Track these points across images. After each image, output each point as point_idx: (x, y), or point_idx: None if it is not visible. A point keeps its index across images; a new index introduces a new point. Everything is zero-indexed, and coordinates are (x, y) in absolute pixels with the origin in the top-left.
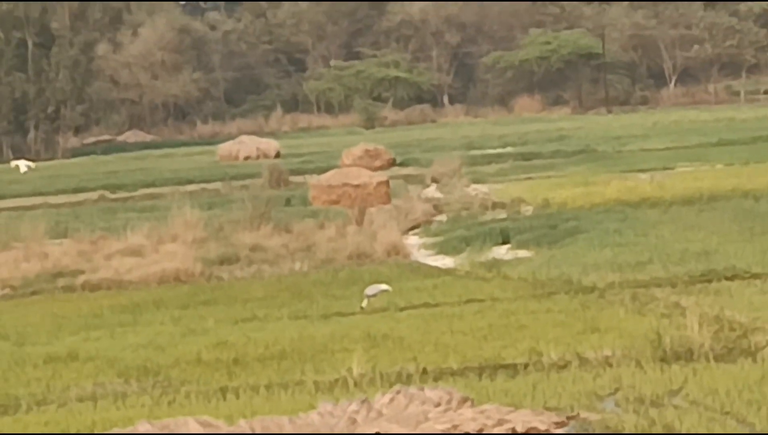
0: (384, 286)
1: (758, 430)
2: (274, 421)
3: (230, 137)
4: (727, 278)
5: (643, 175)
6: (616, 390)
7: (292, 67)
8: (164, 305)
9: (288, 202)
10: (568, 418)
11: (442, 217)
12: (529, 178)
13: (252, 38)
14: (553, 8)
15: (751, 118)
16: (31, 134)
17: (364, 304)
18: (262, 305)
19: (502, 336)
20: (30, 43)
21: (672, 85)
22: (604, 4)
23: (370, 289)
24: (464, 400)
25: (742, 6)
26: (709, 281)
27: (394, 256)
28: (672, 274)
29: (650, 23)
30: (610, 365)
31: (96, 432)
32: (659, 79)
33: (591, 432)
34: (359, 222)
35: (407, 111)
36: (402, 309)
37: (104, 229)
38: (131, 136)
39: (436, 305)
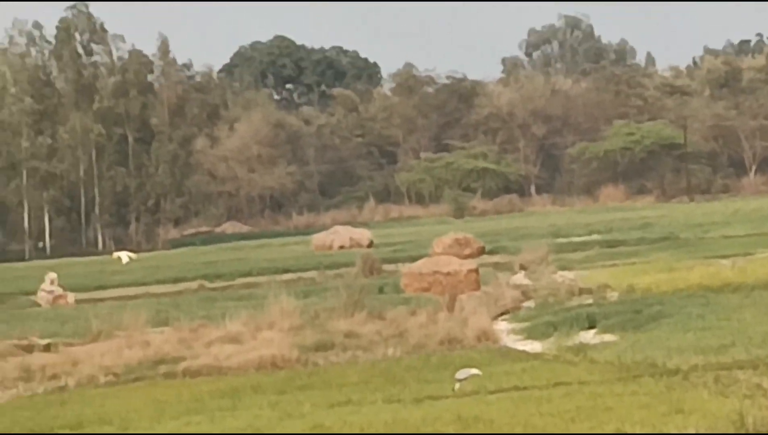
0: (474, 371)
1: None
2: None
3: (324, 228)
4: None
5: (724, 261)
6: None
7: (384, 160)
8: (262, 390)
9: (381, 289)
10: None
11: (530, 303)
12: (615, 265)
13: (345, 132)
14: (636, 100)
15: None
16: (133, 226)
17: (456, 387)
18: (357, 390)
19: (590, 418)
20: (131, 139)
21: (752, 173)
22: (686, 97)
23: (461, 373)
24: None
25: None
26: None
27: (484, 342)
28: (754, 357)
29: (730, 114)
30: None
31: None
32: (740, 168)
33: None
34: (450, 308)
35: (495, 201)
36: (492, 392)
37: (203, 317)
38: (229, 227)
39: (525, 388)
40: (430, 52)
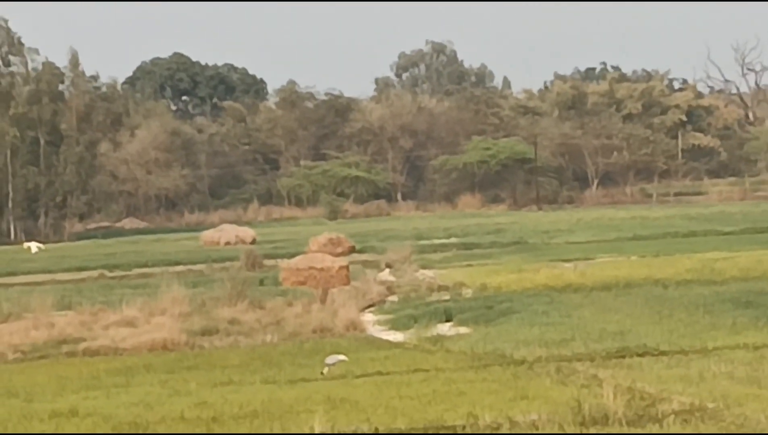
0: (342, 357)
1: None
2: None
3: (213, 225)
4: (638, 355)
5: (567, 265)
6: None
7: (267, 166)
8: (153, 370)
9: (261, 282)
10: None
11: (394, 298)
12: (470, 265)
13: (233, 140)
14: (492, 119)
15: (661, 216)
16: (42, 220)
17: (325, 371)
18: (238, 371)
19: (444, 401)
20: (42, 141)
21: (594, 187)
22: (537, 117)
23: (330, 359)
24: None
25: (656, 120)
26: (623, 357)
27: (352, 331)
28: (591, 350)
29: (576, 133)
30: (537, 428)
31: None
32: (583, 182)
33: None
34: (323, 301)
35: (366, 205)
36: (358, 376)
37: (103, 302)
38: (128, 222)
39: (387, 374)
40: (311, 72)
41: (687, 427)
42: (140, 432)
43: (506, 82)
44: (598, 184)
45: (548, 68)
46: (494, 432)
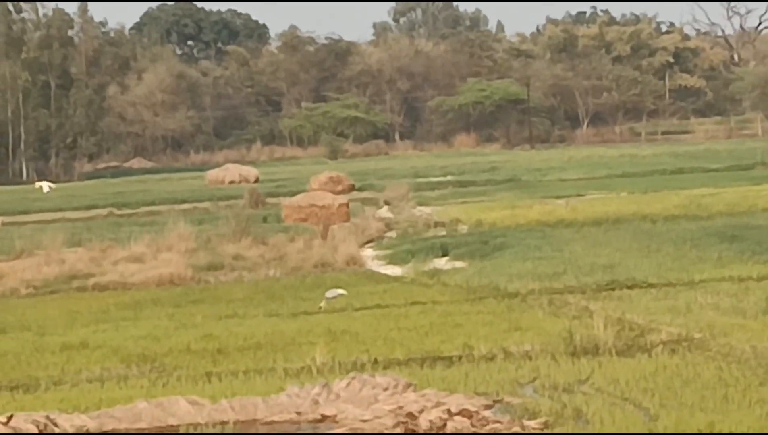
0: (341, 291)
1: (651, 414)
2: (250, 401)
3: (218, 165)
4: (628, 287)
5: (559, 201)
6: (534, 379)
7: (270, 108)
8: (160, 303)
9: (264, 219)
10: (495, 401)
11: (392, 234)
12: (465, 202)
13: (237, 83)
14: (487, 61)
15: (649, 154)
16: (53, 160)
17: (323, 304)
18: (242, 305)
19: (441, 333)
20: (53, 85)
21: (585, 126)
22: (530, 59)
23: (330, 293)
24: (408, 385)
25: (644, 61)
26: (613, 289)
27: (352, 266)
28: (582, 283)
29: (567, 75)
30: (530, 358)
31: (102, 408)
32: (574, 121)
33: (513, 413)
34: (324, 237)
35: (365, 145)
36: (357, 309)
37: (112, 239)
38: (136, 162)
39: (386, 306)
40: (312, 17)
41: (675, 356)
42: (148, 363)
43: (500, 26)
44: (588, 124)
45: (540, 12)
46: (489, 361)
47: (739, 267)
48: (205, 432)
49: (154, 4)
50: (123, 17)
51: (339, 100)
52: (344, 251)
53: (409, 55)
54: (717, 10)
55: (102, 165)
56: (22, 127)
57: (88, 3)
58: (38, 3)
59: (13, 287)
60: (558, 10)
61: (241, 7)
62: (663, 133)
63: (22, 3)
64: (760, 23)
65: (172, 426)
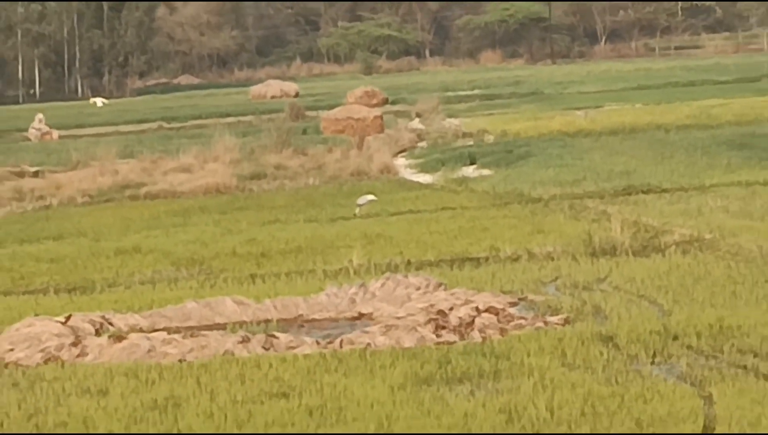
0: (371, 197)
1: (665, 309)
2: (292, 301)
3: (260, 81)
4: (643, 192)
5: (579, 112)
6: (556, 278)
7: (308, 27)
8: (207, 211)
9: (304, 131)
10: (519, 299)
11: (423, 144)
12: (491, 114)
13: (277, 4)
14: None
15: (663, 68)
16: (106, 78)
17: (358, 210)
18: (283, 211)
19: (469, 236)
20: (105, 7)
21: (602, 42)
22: None
23: (361, 200)
24: (439, 284)
25: None
26: (629, 194)
27: (386, 174)
28: (600, 189)
29: None
30: (552, 259)
31: (154, 308)
32: (593, 38)
33: (536, 310)
34: (359, 147)
35: (397, 61)
36: (391, 214)
37: (162, 151)
38: (183, 79)
39: (418, 212)
40: None
41: (687, 256)
42: (196, 266)
43: None
44: (606, 40)
45: None
46: (514, 262)
47: (747, 172)
48: (249, 329)
49: None
50: None
51: (373, 20)
52: (378, 160)
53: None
54: None
55: (152, 82)
56: (77, 46)
57: None
58: None
59: (70, 196)
60: None
61: None
62: (675, 48)
63: None
64: None
65: (218, 324)
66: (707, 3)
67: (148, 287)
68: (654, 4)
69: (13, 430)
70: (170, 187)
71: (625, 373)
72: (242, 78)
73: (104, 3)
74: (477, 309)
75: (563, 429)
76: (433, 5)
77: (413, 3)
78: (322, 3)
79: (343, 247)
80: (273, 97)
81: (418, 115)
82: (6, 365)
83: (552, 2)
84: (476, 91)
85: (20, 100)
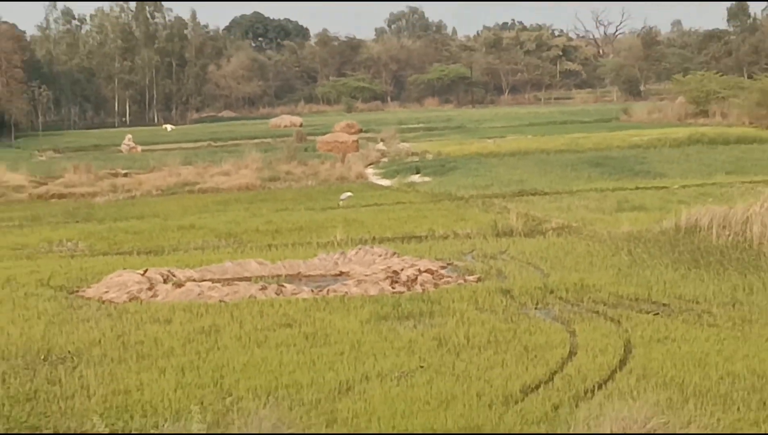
0: (349, 194)
1: (545, 272)
2: (296, 262)
3: (276, 115)
4: (531, 194)
5: (489, 140)
6: (472, 250)
7: (310, 80)
8: (240, 202)
9: (305, 149)
10: (448, 264)
11: (385, 159)
12: (431, 140)
13: (289, 65)
14: (446, 52)
15: (546, 112)
16: (173, 111)
17: (341, 203)
18: (290, 203)
19: (414, 221)
20: (174, 64)
21: (506, 93)
22: (473, 52)
23: (343, 196)
24: (394, 253)
25: (544, 53)
26: (522, 195)
27: (360, 179)
28: (503, 191)
29: (495, 62)
30: (469, 238)
31: (202, 266)
32: (500, 90)
33: (459, 272)
34: (342, 161)
35: (369, 104)
36: (363, 206)
37: (209, 161)
38: (225, 113)
39: (381, 205)
40: (337, 22)
41: (560, 237)
42: (231, 238)
43: (454, 31)
44: (508, 92)
45: (480, 22)
46: (444, 239)
47: (601, 182)
48: (267, 281)
49: (238, 14)
50: (218, 21)
51: (353, 76)
52: (355, 170)
53: (397, 48)
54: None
55: (204, 114)
56: (154, 90)
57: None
58: (165, 11)
59: (148, 190)
60: (491, 20)
61: (292, 16)
62: (555, 98)
63: (156, 12)
64: (616, 30)
65: (246, 277)
66: (577, 68)
67: (199, 252)
68: (541, 69)
69: (107, 347)
70: (215, 185)
71: (518, 315)
72: (264, 113)
73: (173, 61)
74: (419, 270)
75: (475, 351)
76: (393, 67)
77: (380, 65)
78: (319, 64)
79: (330, 227)
80: (285, 126)
81: (381, 140)
82: (102, 302)
83: (473, 67)
84: (421, 125)
85: (115, 125)
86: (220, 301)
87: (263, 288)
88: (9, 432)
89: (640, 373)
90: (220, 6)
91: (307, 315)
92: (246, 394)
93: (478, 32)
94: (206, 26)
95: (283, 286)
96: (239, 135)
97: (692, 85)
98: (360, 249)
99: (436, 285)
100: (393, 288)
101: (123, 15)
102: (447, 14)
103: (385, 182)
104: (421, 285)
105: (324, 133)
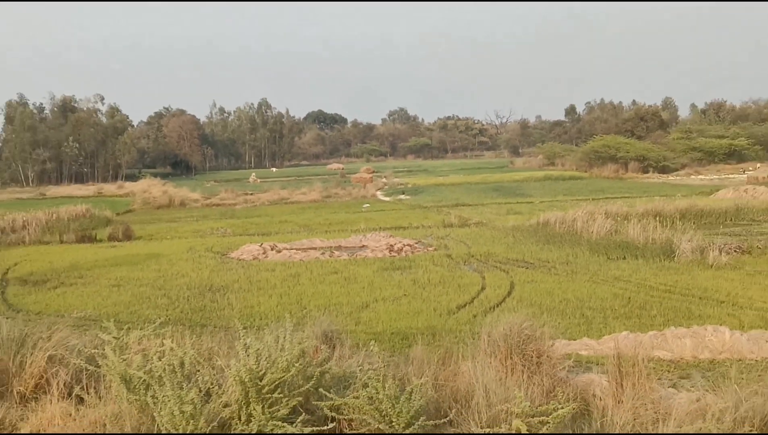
0: (368, 205)
1: (469, 246)
2: (337, 240)
3: (329, 163)
4: (462, 205)
5: (441, 177)
6: (431, 235)
7: (347, 145)
8: (311, 209)
9: (345, 182)
10: (418, 241)
11: (386, 187)
12: (410, 177)
13: (336, 137)
14: (417, 131)
15: (470, 163)
16: (276, 160)
17: (363, 209)
18: (338, 209)
19: (402, 218)
20: (276, 136)
21: (449, 153)
22: (432, 131)
23: (364, 206)
24: (391, 235)
25: (466, 134)
26: (457, 205)
27: (373, 197)
28: (448, 203)
29: (444, 136)
30: (430, 227)
31: (291, 242)
32: (446, 151)
33: (425, 245)
34: (364, 187)
35: (378, 158)
36: (375, 211)
37: (295, 187)
38: (303, 162)
39: (384, 210)
40: (365, 111)
41: (477, 227)
42: (306, 228)
43: (422, 119)
44: (450, 152)
45: (436, 114)
46: (405, 230)
47: (498, 199)
48: (324, 250)
49: (310, 110)
50: (300, 114)
51: (369, 144)
52: (371, 192)
53: (392, 129)
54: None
55: (292, 163)
56: (266, 150)
57: (288, 108)
58: (271, 108)
59: (262, 202)
60: (442, 113)
61: (338, 111)
62: (475, 155)
63: (266, 109)
64: (506, 120)
65: (314, 247)
66: (486, 140)
67: (290, 235)
68: (467, 139)
69: (241, 284)
70: (297, 200)
71: (455, 268)
72: (323, 162)
73: (265, 134)
74: (404, 244)
75: (432, 286)
76: (390, 138)
77: (384, 137)
78: (351, 137)
79: (357, 222)
80: (334, 169)
81: (384, 177)
82: (239, 260)
83: (432, 138)
84: (405, 169)
85: (246, 168)
86: (300, 260)
87: (323, 253)
88: (191, 325)
89: (518, 299)
90: (300, 106)
91: (345, 267)
92: (313, 308)
93: (435, 120)
94: (294, 116)
95: (333, 252)
96: (310, 174)
97: (546, 149)
98: (373, 232)
99: (413, 252)
100: (390, 254)
101: (250, 110)
102: (418, 108)
103: (386, 199)
104: (405, 253)
105: (354, 173)
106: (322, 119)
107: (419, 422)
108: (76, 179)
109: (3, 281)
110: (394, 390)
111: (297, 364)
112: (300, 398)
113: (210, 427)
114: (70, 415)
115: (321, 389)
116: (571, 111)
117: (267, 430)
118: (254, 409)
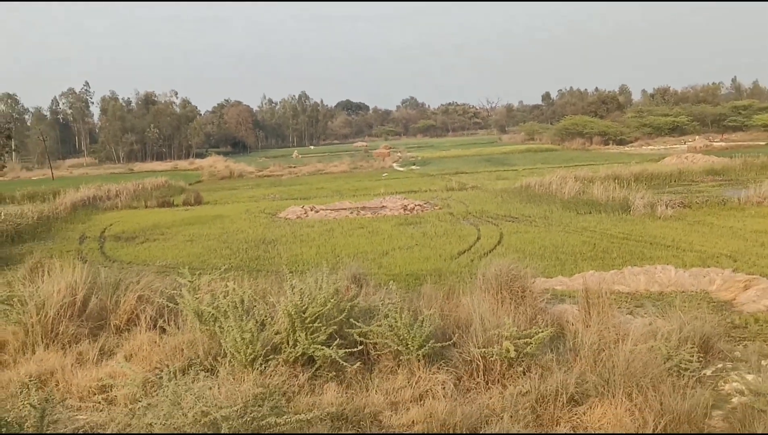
0: (386, 174)
1: (467, 205)
2: (363, 202)
3: (356, 142)
4: (461, 173)
5: (444, 151)
6: (436, 196)
7: (370, 128)
8: (341, 178)
9: (369, 156)
10: (427, 202)
11: (401, 159)
12: (419, 151)
13: (361, 121)
14: (425, 115)
15: (467, 140)
16: (313, 140)
17: (383, 177)
18: (362, 178)
19: (413, 185)
20: (313, 121)
21: (450, 132)
22: (437, 114)
23: (383, 175)
24: (405, 198)
25: (464, 116)
26: (457, 174)
27: (391, 167)
28: (449, 172)
29: (446, 118)
30: (436, 191)
31: (327, 204)
32: (448, 130)
33: (432, 206)
34: (384, 160)
35: (393, 137)
36: (392, 179)
37: (329, 161)
38: (335, 141)
39: (398, 178)
40: (386, 99)
41: (473, 190)
42: (338, 193)
43: (428, 105)
44: (451, 131)
45: (439, 101)
46: (424, 193)
47: (489, 168)
48: (353, 210)
49: (340, 99)
50: (332, 102)
51: (387, 126)
52: (388, 164)
53: (405, 114)
54: (485, 101)
55: (326, 142)
56: (305, 131)
57: (323, 99)
58: (309, 99)
59: (303, 173)
60: (444, 100)
61: (363, 100)
62: (470, 134)
63: (305, 100)
64: (495, 104)
65: (344, 208)
66: (479, 121)
67: (325, 198)
68: (464, 121)
69: (288, 238)
70: (331, 171)
71: (457, 223)
72: (350, 141)
73: (303, 120)
74: (415, 205)
75: (438, 237)
76: (403, 121)
77: (400, 124)
78: (373, 121)
79: (377, 187)
80: (359, 146)
81: (399, 152)
82: (286, 219)
83: (436, 120)
84: (415, 145)
85: (289, 146)
86: (334, 218)
87: (351, 212)
88: (249, 270)
89: (506, 246)
90: (332, 96)
91: (369, 223)
92: (344, 256)
93: (439, 105)
94: (327, 105)
95: (359, 212)
96: (341, 150)
97: (527, 127)
98: (391, 195)
99: (422, 211)
100: (405, 212)
101: (292, 100)
102: (425, 96)
103: (401, 169)
104: (416, 211)
105: (375, 149)
106: (349, 107)
107: (429, 344)
108: (156, 157)
109: (101, 238)
110: (409, 319)
111: (332, 300)
112: (335, 327)
113: (264, 350)
114: (155, 342)
115: (351, 319)
116: (546, 97)
117: (309, 352)
118: (299, 335)
